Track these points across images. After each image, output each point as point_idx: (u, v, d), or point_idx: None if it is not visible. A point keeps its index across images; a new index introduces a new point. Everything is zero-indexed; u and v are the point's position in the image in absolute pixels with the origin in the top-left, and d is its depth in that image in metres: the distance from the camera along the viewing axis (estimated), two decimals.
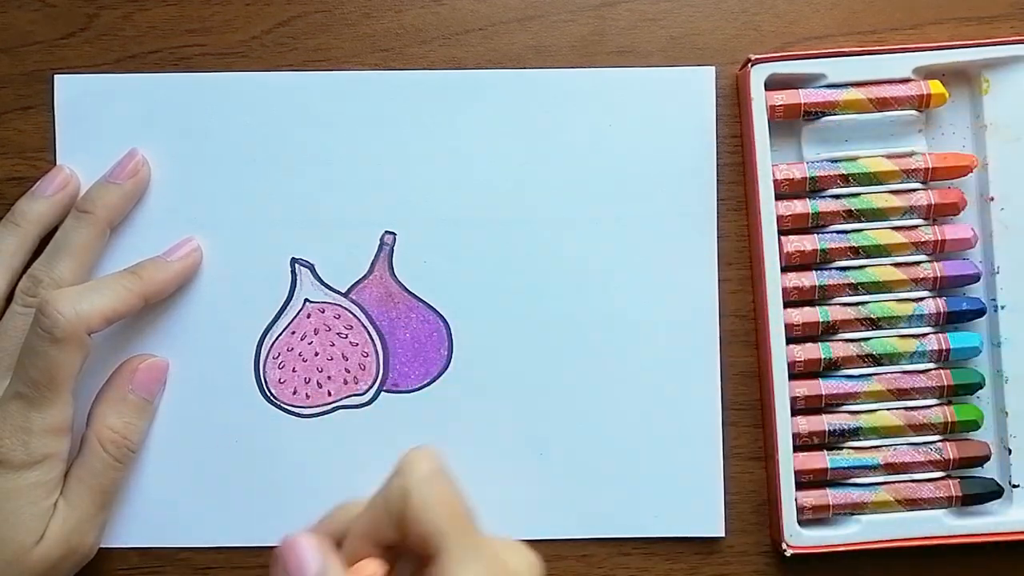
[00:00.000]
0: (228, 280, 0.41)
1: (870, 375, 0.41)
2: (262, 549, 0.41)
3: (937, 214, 0.41)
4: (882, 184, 0.41)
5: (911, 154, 0.41)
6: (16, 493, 0.36)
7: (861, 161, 0.41)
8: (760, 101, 0.40)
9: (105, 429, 0.39)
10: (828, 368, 0.41)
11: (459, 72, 0.42)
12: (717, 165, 0.42)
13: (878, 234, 0.41)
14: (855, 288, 0.41)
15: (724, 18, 0.42)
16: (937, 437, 0.40)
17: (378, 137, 0.42)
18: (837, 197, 0.41)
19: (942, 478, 0.40)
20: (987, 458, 0.41)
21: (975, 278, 0.41)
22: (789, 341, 0.40)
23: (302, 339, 0.41)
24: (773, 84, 0.41)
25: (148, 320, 0.41)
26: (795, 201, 0.41)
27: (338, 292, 0.42)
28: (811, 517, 0.40)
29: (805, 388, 0.40)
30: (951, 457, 0.40)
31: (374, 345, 0.42)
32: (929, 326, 0.41)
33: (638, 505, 0.41)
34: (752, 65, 0.40)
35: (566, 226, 0.42)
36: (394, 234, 0.42)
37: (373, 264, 0.42)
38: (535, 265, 0.41)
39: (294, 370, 0.41)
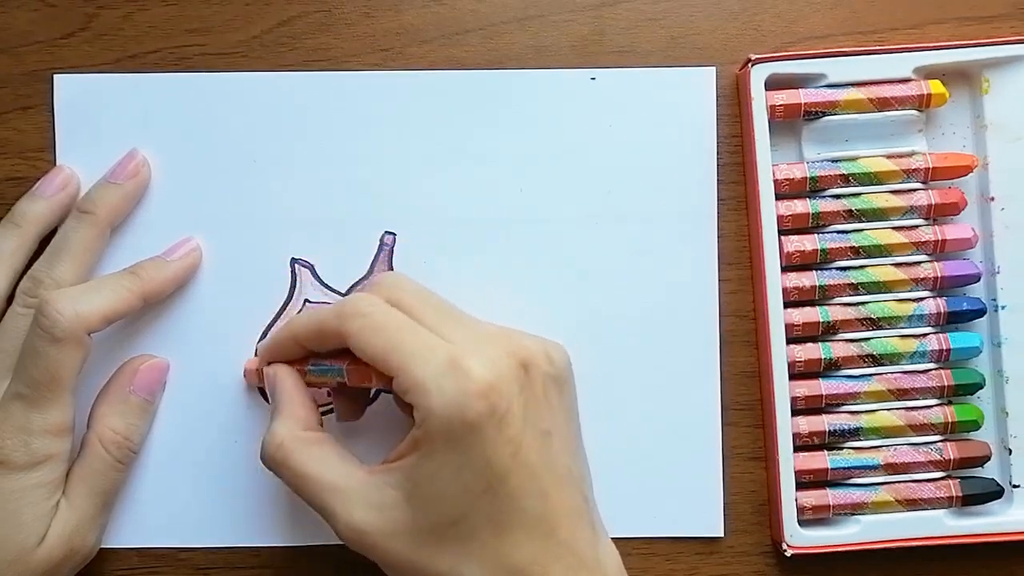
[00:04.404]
0: (228, 280, 0.41)
1: (870, 375, 0.41)
2: (262, 549, 0.41)
3: (937, 214, 0.41)
4: (882, 184, 0.41)
5: (911, 154, 0.41)
6: (18, 494, 0.36)
7: (861, 161, 0.41)
8: (760, 101, 0.40)
9: (107, 430, 0.39)
10: (828, 368, 0.41)
11: (459, 72, 0.42)
12: (717, 165, 0.42)
13: (878, 234, 0.41)
14: (855, 288, 0.41)
15: (724, 18, 0.42)
16: (937, 437, 0.40)
17: (378, 137, 0.42)
18: (837, 197, 0.41)
19: (942, 478, 0.40)
20: (987, 458, 0.41)
21: (975, 278, 0.41)
22: (789, 341, 0.40)
23: None
24: (773, 84, 0.41)
25: (148, 320, 0.41)
26: (795, 201, 0.41)
27: (338, 292, 0.42)
28: (811, 517, 0.40)
29: (805, 388, 0.40)
30: (951, 457, 0.40)
31: None
32: (929, 326, 0.41)
33: (638, 505, 0.41)
34: (752, 65, 0.40)
35: (566, 226, 0.42)
36: (394, 234, 0.42)
37: (373, 264, 0.42)
38: (535, 265, 0.41)
39: None
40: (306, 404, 0.37)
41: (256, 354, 0.41)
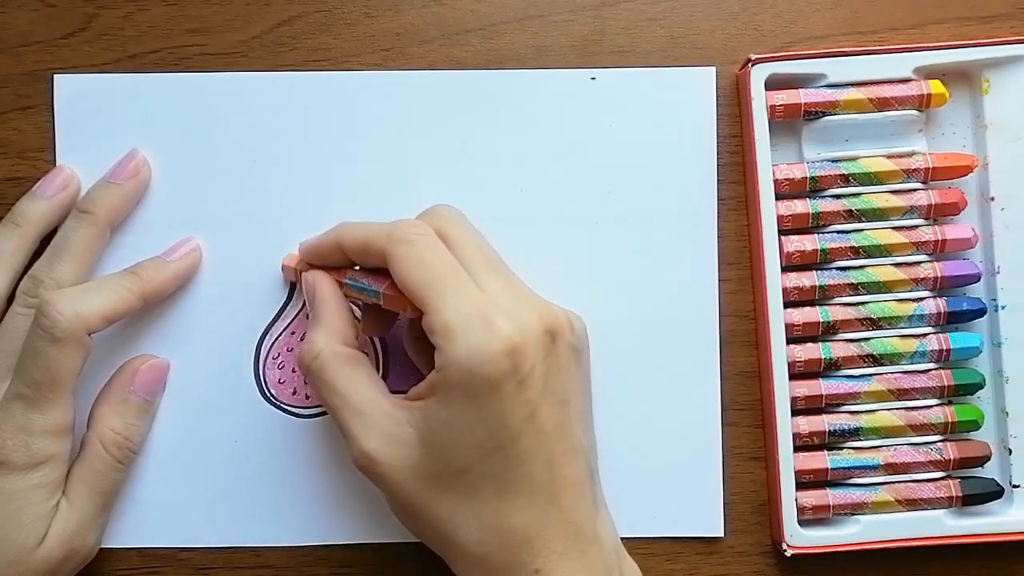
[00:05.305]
0: (228, 280, 0.41)
1: (870, 375, 0.41)
2: (262, 549, 0.41)
3: (937, 214, 0.41)
4: (882, 184, 0.41)
5: (911, 154, 0.41)
6: (18, 494, 0.36)
7: (861, 161, 0.41)
8: (760, 101, 0.40)
9: (107, 430, 0.39)
10: (828, 368, 0.41)
11: (459, 72, 0.42)
12: (717, 165, 0.42)
13: (878, 234, 0.41)
14: (855, 288, 0.41)
15: (724, 18, 0.42)
16: (937, 437, 0.40)
17: (378, 137, 0.42)
18: (837, 197, 0.41)
19: (942, 478, 0.40)
20: (987, 458, 0.41)
21: (975, 278, 0.41)
22: (789, 341, 0.40)
23: (302, 339, 0.41)
24: (773, 84, 0.41)
25: (148, 320, 0.41)
26: (795, 201, 0.41)
27: None
28: (811, 517, 0.40)
29: (805, 388, 0.40)
30: (951, 457, 0.40)
31: (373, 346, 0.42)
32: (929, 326, 0.41)
33: (638, 505, 0.41)
34: (752, 65, 0.40)
35: (566, 226, 0.42)
36: None
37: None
38: (535, 266, 0.41)
39: (293, 370, 0.41)
40: (345, 317, 0.37)
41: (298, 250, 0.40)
